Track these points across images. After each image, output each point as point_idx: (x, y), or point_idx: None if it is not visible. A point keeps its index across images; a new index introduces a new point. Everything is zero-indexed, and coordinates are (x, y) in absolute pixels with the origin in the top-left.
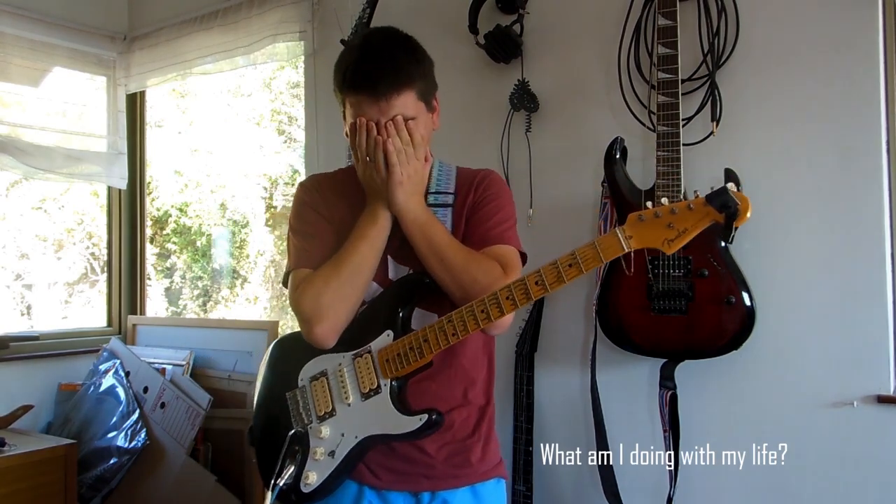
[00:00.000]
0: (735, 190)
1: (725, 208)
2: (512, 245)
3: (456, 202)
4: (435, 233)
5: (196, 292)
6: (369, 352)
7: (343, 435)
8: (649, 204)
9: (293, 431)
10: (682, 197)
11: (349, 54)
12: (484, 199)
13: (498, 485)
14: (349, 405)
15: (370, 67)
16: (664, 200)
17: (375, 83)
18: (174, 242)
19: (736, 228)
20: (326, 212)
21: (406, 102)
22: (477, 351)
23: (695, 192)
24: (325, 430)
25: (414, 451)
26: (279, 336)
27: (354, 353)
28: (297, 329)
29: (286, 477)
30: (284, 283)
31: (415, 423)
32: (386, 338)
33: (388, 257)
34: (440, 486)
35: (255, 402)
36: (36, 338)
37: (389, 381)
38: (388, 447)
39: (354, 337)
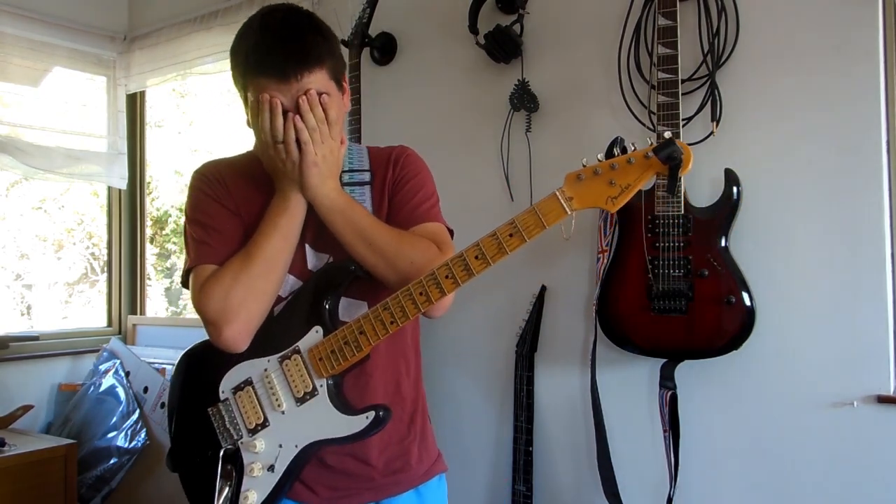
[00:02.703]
0: (671, 137)
1: (671, 160)
2: (440, 222)
3: (374, 181)
4: (358, 217)
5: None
6: (298, 352)
7: (281, 446)
8: (585, 160)
9: (223, 450)
10: (682, 199)
11: (249, 35)
12: (404, 177)
13: (440, 482)
14: (283, 413)
15: (275, 46)
16: (599, 157)
17: (283, 63)
18: (174, 242)
19: (681, 179)
20: (231, 204)
21: (318, 81)
22: (405, 339)
23: (632, 143)
24: (260, 444)
25: (353, 463)
26: (199, 342)
27: (280, 355)
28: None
29: (222, 499)
30: (184, 284)
31: (361, 422)
32: (315, 334)
33: (306, 245)
34: (383, 496)
35: (169, 424)
36: (36, 338)
37: (325, 380)
38: (323, 464)
39: (276, 337)
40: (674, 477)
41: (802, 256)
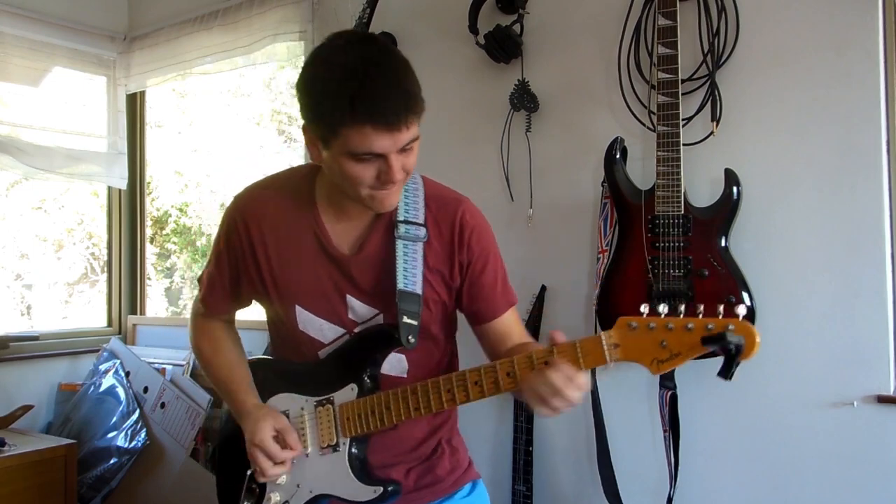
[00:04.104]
0: (740, 320)
1: (726, 352)
2: (514, 301)
3: (429, 239)
4: None
5: (196, 292)
6: (332, 403)
7: (298, 486)
8: (644, 309)
9: (251, 470)
10: (682, 199)
11: (350, 78)
12: (479, 257)
13: (475, 488)
14: (307, 455)
15: (387, 95)
16: (662, 309)
17: (395, 114)
18: (174, 242)
19: (738, 364)
20: (247, 248)
21: (415, 128)
22: (443, 360)
23: (699, 310)
24: (282, 477)
25: None
26: (249, 357)
27: (317, 399)
28: (266, 355)
29: None
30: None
31: (368, 493)
32: (350, 392)
33: (347, 297)
34: None
35: (220, 425)
36: (36, 338)
37: (349, 440)
38: None
39: (317, 381)
40: (674, 477)
41: (802, 256)
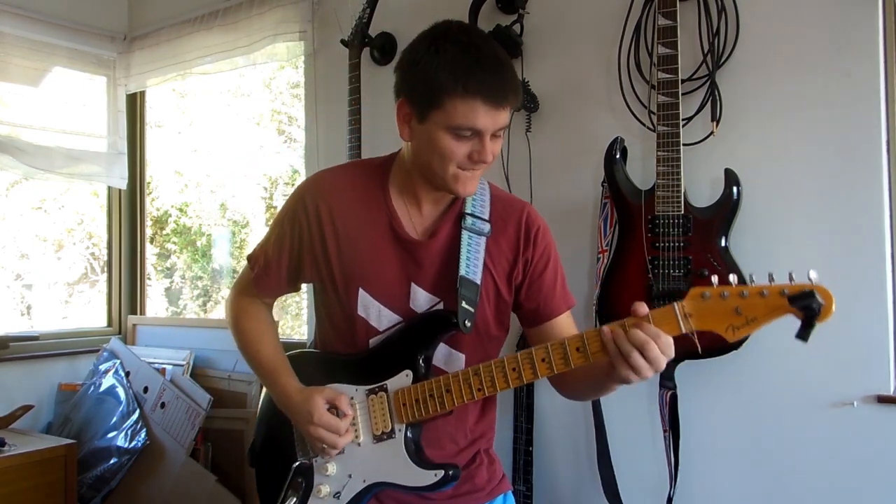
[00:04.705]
0: (818, 284)
1: (808, 310)
2: (572, 303)
3: (491, 235)
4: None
5: (196, 292)
6: (385, 390)
7: (350, 476)
8: (715, 279)
9: (297, 463)
10: (682, 199)
11: (466, 54)
12: (542, 259)
13: (506, 498)
14: (359, 445)
15: (498, 73)
16: (732, 278)
17: (504, 93)
18: (174, 242)
19: (814, 326)
20: (316, 234)
21: (509, 114)
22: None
23: (770, 275)
24: (332, 468)
25: (417, 500)
26: (291, 352)
27: (368, 388)
28: (310, 348)
29: None
30: (248, 260)
31: (429, 477)
32: (404, 378)
33: (412, 284)
34: None
35: (257, 417)
36: (36, 338)
37: (405, 426)
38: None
39: (368, 370)
40: (674, 477)
41: (802, 256)
